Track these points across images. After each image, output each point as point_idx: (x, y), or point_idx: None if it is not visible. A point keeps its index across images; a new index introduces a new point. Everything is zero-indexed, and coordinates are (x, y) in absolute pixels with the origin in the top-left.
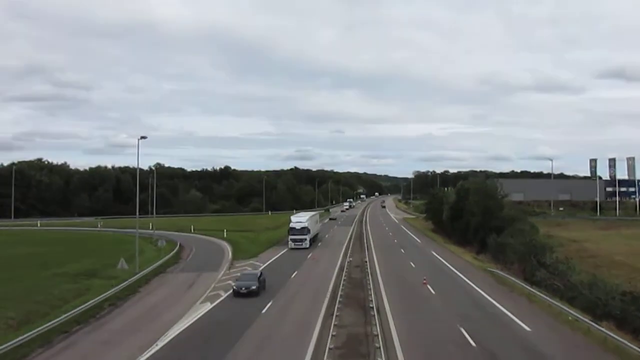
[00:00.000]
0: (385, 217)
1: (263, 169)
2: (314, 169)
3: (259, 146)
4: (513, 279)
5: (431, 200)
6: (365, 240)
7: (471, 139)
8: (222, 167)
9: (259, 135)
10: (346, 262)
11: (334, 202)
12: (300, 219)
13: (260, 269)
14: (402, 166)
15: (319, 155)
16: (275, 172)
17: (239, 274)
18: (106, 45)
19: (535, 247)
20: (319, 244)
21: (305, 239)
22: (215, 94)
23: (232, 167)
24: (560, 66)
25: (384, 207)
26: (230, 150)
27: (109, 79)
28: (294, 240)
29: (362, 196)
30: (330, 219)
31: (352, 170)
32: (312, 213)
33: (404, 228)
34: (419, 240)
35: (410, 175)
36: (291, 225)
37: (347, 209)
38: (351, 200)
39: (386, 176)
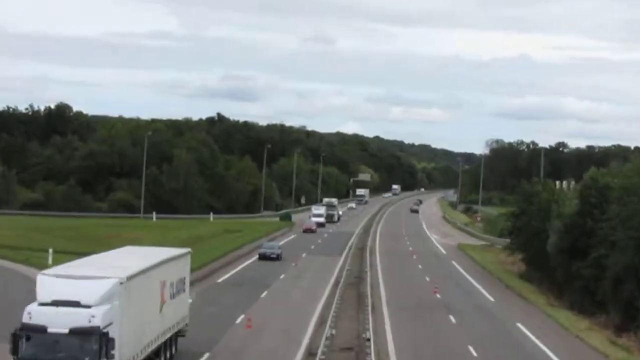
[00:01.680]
0: (418, 241)
1: (145, 116)
2: (261, 122)
3: (143, 64)
4: None
5: (523, 209)
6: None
7: (619, 73)
8: (52, 106)
9: (143, 39)
10: None
11: (302, 202)
12: None
13: None
14: (460, 127)
15: (273, 90)
16: (172, 123)
17: None
18: None
19: None
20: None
21: None
22: None
23: (75, 109)
24: None
25: (415, 211)
26: (74, 69)
27: None
28: None
29: (361, 198)
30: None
31: (349, 130)
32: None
33: (460, 269)
34: (491, 299)
35: (480, 150)
36: None
37: (321, 221)
38: (332, 202)
39: (424, 148)
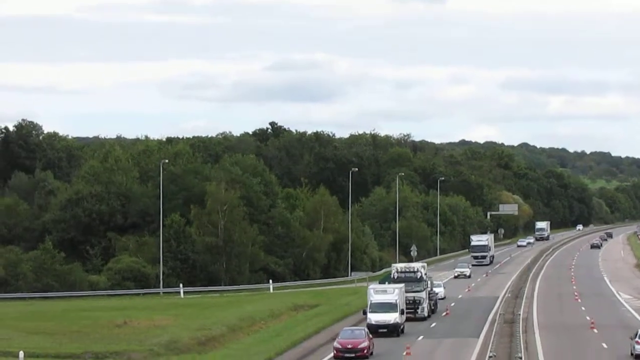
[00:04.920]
0: (599, 305)
1: (156, 134)
2: (340, 133)
3: (148, 52)
4: None
5: None
6: None
7: None
8: (10, 127)
9: (147, 13)
10: None
11: (412, 254)
12: None
13: None
14: None
15: (357, 81)
16: (200, 142)
17: None
18: None
19: None
20: None
21: None
22: None
23: (46, 129)
24: None
25: (596, 247)
26: (39, 66)
27: None
28: None
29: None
30: None
31: (479, 137)
32: None
33: None
34: None
35: None
36: None
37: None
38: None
39: (601, 157)
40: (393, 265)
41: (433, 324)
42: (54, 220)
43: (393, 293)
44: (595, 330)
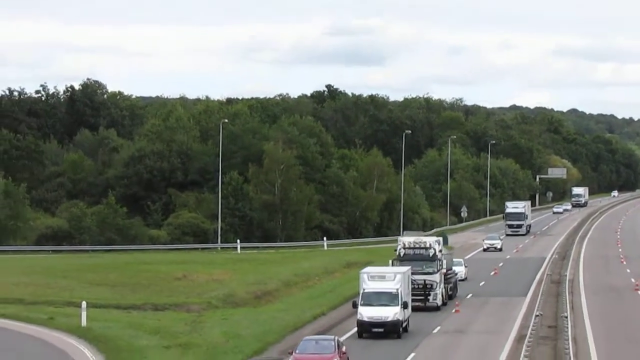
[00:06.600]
0: None
1: (217, 95)
2: (395, 97)
3: (208, 16)
4: None
5: None
6: None
7: None
8: (76, 85)
9: None
10: None
11: (463, 215)
12: None
13: None
14: None
15: (411, 46)
16: (259, 103)
17: None
18: None
19: None
20: None
21: None
22: None
23: (110, 88)
24: None
25: None
26: (104, 28)
27: None
28: None
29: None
30: None
31: (530, 102)
32: None
33: None
34: None
35: None
36: None
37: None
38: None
39: None
40: (399, 238)
41: (482, 283)
42: (117, 177)
43: (394, 280)
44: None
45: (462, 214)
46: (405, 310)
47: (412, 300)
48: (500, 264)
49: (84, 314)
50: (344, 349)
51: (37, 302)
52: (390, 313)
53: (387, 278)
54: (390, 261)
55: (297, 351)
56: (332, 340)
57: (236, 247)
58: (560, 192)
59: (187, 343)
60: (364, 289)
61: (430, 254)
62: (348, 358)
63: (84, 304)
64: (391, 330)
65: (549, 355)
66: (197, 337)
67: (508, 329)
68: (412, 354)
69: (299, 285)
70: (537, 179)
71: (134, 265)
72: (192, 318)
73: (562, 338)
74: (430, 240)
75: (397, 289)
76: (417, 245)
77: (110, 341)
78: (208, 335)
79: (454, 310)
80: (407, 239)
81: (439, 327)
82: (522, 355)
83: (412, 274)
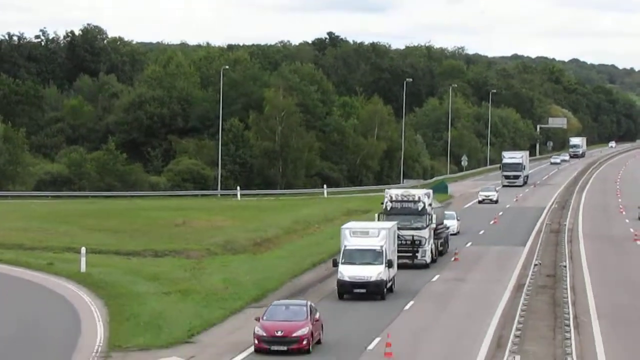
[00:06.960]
0: None
1: (218, 42)
2: (396, 44)
3: None
4: None
5: None
6: None
7: None
8: (76, 31)
9: None
10: None
11: (463, 163)
12: None
13: None
14: None
15: None
16: (260, 49)
17: None
18: None
19: None
20: None
21: None
22: None
23: (110, 33)
24: None
25: None
26: None
27: None
28: None
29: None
30: None
31: (531, 52)
32: None
33: None
34: None
35: None
36: None
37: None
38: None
39: None
40: (386, 191)
41: (482, 232)
42: (117, 122)
43: (377, 236)
44: (639, 242)
45: (462, 163)
46: (390, 269)
47: (399, 257)
48: (500, 213)
49: (83, 260)
50: (317, 315)
51: (36, 247)
52: (373, 272)
53: (370, 234)
54: (376, 215)
55: (264, 317)
56: (304, 305)
57: (236, 194)
58: (560, 142)
59: (187, 289)
60: (345, 246)
61: (419, 208)
62: (322, 325)
63: (83, 249)
64: (374, 291)
65: (547, 303)
66: (196, 283)
67: (507, 277)
68: (411, 302)
69: (298, 233)
70: (538, 129)
71: (133, 212)
72: (191, 264)
73: (560, 287)
74: (419, 193)
75: (382, 246)
76: (405, 198)
77: (110, 287)
78: (207, 281)
79: (453, 259)
80: (394, 192)
81: (438, 276)
82: (520, 304)
83: (400, 229)
